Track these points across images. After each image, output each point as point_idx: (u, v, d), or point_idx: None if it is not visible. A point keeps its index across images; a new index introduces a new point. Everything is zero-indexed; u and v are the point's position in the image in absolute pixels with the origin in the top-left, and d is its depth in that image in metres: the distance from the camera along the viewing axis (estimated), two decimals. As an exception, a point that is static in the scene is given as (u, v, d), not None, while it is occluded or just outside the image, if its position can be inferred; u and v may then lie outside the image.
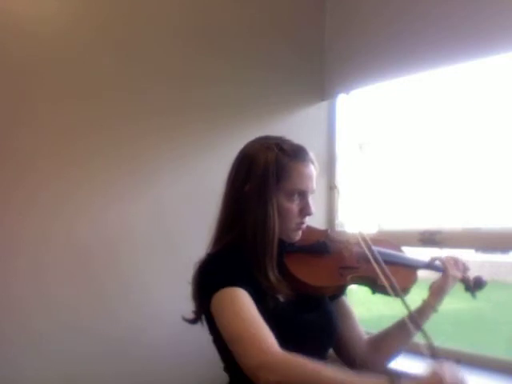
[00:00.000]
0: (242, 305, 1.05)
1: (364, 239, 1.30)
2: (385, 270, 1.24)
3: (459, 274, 1.41)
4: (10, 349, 1.65)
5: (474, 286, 1.45)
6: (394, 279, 1.24)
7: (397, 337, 1.33)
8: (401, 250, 1.44)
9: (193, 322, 1.20)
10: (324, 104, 2.37)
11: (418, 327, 1.18)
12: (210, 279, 1.12)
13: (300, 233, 1.24)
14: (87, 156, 1.81)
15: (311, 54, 2.32)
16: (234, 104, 2.11)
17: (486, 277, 1.49)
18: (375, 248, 1.30)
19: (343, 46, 2.28)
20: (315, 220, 1.35)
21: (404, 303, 1.19)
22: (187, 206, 1.98)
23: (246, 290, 1.08)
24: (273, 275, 1.15)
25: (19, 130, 1.71)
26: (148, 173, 1.93)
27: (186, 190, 1.99)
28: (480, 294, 1.48)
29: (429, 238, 1.88)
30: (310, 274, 1.20)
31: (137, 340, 1.86)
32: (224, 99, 2.08)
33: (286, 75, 2.23)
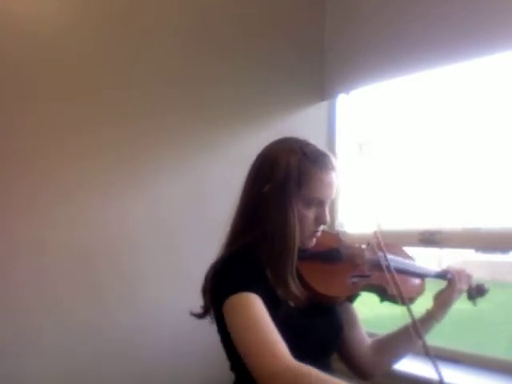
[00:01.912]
0: (255, 312, 1.03)
1: (379, 245, 1.26)
2: (396, 279, 1.22)
3: (465, 287, 1.41)
4: (9, 348, 1.65)
5: (477, 293, 1.45)
6: (403, 289, 1.22)
7: (401, 342, 1.32)
8: (408, 256, 1.42)
9: (200, 316, 1.19)
10: (324, 104, 2.36)
11: (421, 338, 1.17)
12: (226, 281, 1.11)
13: (314, 240, 1.22)
14: (87, 156, 1.81)
15: (311, 54, 2.32)
16: (234, 104, 2.11)
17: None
18: (388, 255, 1.27)
19: (343, 46, 2.28)
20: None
21: (410, 314, 1.18)
22: (187, 206, 1.98)
23: (259, 295, 1.06)
24: (293, 282, 1.12)
25: (19, 130, 1.71)
26: (148, 173, 1.93)
27: (186, 190, 1.99)
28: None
29: (429, 238, 1.88)
30: (323, 283, 1.18)
31: (136, 340, 1.86)
32: (224, 99, 2.08)
33: (286, 75, 2.23)
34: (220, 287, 1.11)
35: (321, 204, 1.18)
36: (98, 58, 1.85)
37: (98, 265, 1.81)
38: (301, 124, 2.28)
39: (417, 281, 1.36)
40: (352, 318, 1.35)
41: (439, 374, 1.10)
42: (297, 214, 1.15)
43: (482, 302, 1.47)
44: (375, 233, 1.30)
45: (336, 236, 1.34)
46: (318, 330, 1.18)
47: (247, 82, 2.13)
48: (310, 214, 1.17)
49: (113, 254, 1.84)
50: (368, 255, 1.28)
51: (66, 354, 1.73)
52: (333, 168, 1.19)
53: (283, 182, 1.14)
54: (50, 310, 1.72)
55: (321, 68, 2.34)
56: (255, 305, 1.04)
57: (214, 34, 2.08)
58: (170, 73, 1.98)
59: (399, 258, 1.35)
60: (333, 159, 1.20)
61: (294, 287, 1.12)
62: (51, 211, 1.74)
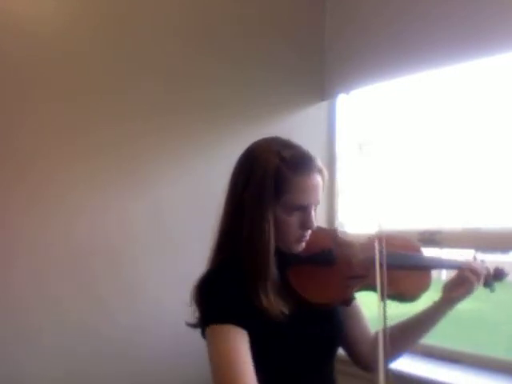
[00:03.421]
0: (229, 348, 1.01)
1: (379, 240, 1.17)
2: (384, 278, 1.10)
3: (480, 284, 1.28)
4: (9, 348, 1.65)
5: (494, 277, 1.34)
6: (402, 285, 1.15)
7: (400, 338, 1.27)
8: (418, 250, 1.32)
9: (196, 326, 1.17)
10: (324, 104, 2.37)
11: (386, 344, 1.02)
12: (207, 308, 1.09)
13: (303, 245, 1.16)
14: (87, 156, 1.81)
15: (311, 54, 2.33)
16: (234, 104, 2.11)
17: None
18: (388, 252, 1.17)
19: (343, 46, 2.28)
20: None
21: (384, 312, 1.06)
22: (187, 206, 1.98)
23: (242, 324, 1.04)
24: (265, 298, 1.07)
25: (19, 130, 1.71)
26: (148, 173, 1.93)
27: (186, 190, 1.99)
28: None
29: (429, 238, 1.88)
30: (313, 289, 1.13)
31: (136, 340, 1.86)
32: (224, 99, 2.08)
33: (286, 75, 2.23)
34: (203, 313, 1.10)
35: (304, 209, 1.12)
36: (97, 58, 1.84)
37: (98, 265, 1.81)
38: (301, 124, 2.28)
39: (421, 275, 1.25)
40: (355, 315, 1.31)
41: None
42: (275, 222, 1.09)
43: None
44: (373, 229, 1.24)
45: (332, 234, 1.27)
46: (310, 336, 1.14)
47: (247, 82, 2.13)
48: (293, 219, 1.11)
49: (113, 254, 1.84)
50: (363, 253, 1.20)
51: (66, 354, 1.73)
52: (316, 170, 1.13)
53: (259, 189, 1.09)
54: (49, 310, 1.72)
55: (321, 68, 2.34)
56: (231, 340, 1.02)
57: (214, 34, 2.07)
58: (170, 73, 1.98)
59: (399, 252, 1.25)
60: (315, 160, 1.14)
61: (266, 303, 1.06)
62: (51, 211, 1.74)
